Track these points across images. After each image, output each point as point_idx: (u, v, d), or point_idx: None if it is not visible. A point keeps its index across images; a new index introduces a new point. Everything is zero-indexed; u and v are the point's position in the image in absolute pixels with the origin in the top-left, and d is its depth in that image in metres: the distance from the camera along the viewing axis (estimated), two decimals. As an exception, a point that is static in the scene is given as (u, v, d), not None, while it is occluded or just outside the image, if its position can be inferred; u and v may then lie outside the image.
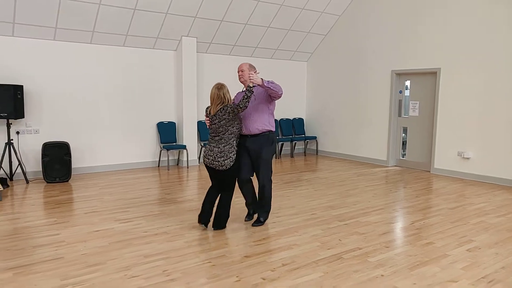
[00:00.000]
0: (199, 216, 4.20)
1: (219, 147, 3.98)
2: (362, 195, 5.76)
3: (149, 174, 7.16)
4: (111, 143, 7.39)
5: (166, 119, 8.01)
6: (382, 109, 8.33)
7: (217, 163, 3.96)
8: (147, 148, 7.83)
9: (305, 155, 9.75)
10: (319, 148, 9.87)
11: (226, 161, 3.96)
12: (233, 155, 4.00)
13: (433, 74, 7.42)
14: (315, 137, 9.83)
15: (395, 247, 3.78)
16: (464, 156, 6.95)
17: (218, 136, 4.00)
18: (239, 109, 3.97)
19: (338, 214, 4.82)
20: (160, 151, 7.93)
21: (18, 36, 6.37)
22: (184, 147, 7.84)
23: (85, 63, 7.02)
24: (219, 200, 4.17)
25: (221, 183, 4.14)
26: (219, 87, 4.08)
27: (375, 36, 8.33)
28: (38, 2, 5.99)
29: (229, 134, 4.00)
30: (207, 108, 4.16)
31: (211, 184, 4.24)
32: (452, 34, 7.05)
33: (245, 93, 3.96)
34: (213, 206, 4.18)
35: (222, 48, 8.43)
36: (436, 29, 7.28)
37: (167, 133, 7.90)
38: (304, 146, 10.12)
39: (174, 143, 7.99)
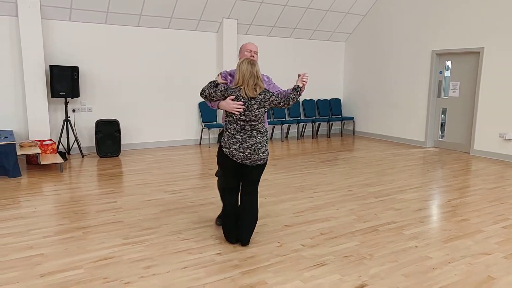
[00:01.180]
0: (228, 233, 3.35)
1: (256, 137, 3.21)
2: (399, 174, 5.87)
3: (192, 151, 7.56)
4: (156, 122, 7.83)
5: (207, 99, 8.34)
6: (421, 89, 8.26)
7: (256, 156, 3.18)
8: (189, 126, 8.22)
9: (341, 136, 9.85)
10: (356, 129, 9.93)
11: (265, 153, 3.25)
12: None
13: (476, 54, 7.28)
14: (352, 118, 9.89)
15: (429, 222, 3.93)
16: (506, 138, 6.85)
17: (252, 126, 3.21)
18: (284, 105, 3.32)
19: (375, 191, 4.99)
20: (202, 129, 8.31)
21: (75, 21, 6.82)
22: (222, 126, 8.15)
23: (133, 45, 7.42)
24: (248, 207, 3.32)
25: (251, 184, 3.32)
26: (253, 63, 3.25)
27: (416, 15, 8.20)
28: (91, -13, 6.40)
29: (261, 122, 3.27)
30: (228, 88, 3.23)
31: (229, 190, 3.34)
32: (497, 12, 6.87)
33: (295, 92, 3.34)
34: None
35: (262, 29, 8.60)
36: (480, 7, 7.10)
37: (208, 113, 8.24)
38: (341, 127, 10.20)
39: (215, 122, 8.33)
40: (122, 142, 7.32)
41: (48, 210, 4.15)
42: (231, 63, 8.19)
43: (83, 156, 6.89)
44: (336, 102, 10.13)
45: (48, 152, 6.25)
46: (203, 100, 8.22)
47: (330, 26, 9.29)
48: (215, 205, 4.37)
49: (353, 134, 9.97)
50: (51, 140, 6.40)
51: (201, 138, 8.34)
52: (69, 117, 6.87)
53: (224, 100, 3.21)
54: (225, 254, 3.14)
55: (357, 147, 8.25)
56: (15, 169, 5.39)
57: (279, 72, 9.19)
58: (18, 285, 2.64)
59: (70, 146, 6.96)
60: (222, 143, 3.27)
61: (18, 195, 4.66)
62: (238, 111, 3.15)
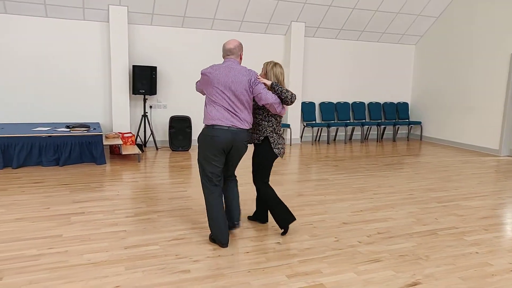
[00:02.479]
0: (288, 221, 3.52)
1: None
2: (466, 181, 5.71)
3: (256, 149, 7.89)
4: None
5: (273, 99, 8.63)
6: (496, 94, 7.86)
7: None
8: (255, 125, 8.57)
9: (408, 140, 9.64)
10: (423, 134, 9.66)
11: None
12: None
13: (561, 58, 6.79)
14: (419, 122, 9.63)
15: (495, 230, 3.85)
16: None
17: None
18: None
19: (437, 196, 4.93)
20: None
21: (155, 25, 7.47)
22: (288, 126, 8.41)
23: (206, 47, 7.92)
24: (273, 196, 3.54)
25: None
26: (281, 66, 3.50)
27: (492, 16, 7.82)
28: (171, -6, 6.97)
29: None
30: (284, 88, 3.32)
31: (267, 181, 3.59)
32: None
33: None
34: None
35: (329, 32, 8.71)
36: None
37: (309, 113, 8.51)
38: (407, 131, 9.98)
39: (314, 121, 8.58)
40: (193, 137, 7.85)
41: (128, 194, 4.68)
42: (298, 65, 8.41)
43: (157, 148, 7.52)
44: (403, 106, 9.92)
45: (128, 143, 6.92)
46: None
47: (400, 29, 9.14)
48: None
49: (420, 139, 9.70)
50: (130, 133, 7.08)
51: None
52: (147, 112, 7.53)
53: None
54: (284, 244, 3.38)
55: (423, 152, 8.06)
56: (102, 157, 6.07)
57: (345, 75, 9.25)
58: (108, 253, 3.09)
59: (147, 139, 7.62)
60: (272, 140, 3.42)
61: (104, 180, 5.28)
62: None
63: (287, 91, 3.29)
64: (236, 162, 3.44)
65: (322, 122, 9.07)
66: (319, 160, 7.04)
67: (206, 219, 3.91)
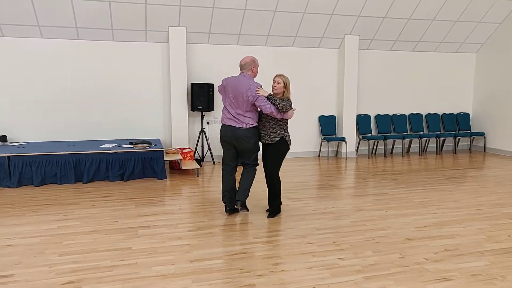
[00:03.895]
0: (277, 206, 4.51)
1: None
2: (540, 196, 5.32)
3: (311, 163, 7.86)
4: (278, 134, 8.34)
5: (327, 112, 8.60)
6: None
7: None
8: (309, 139, 8.56)
9: (470, 152, 9.16)
10: (487, 145, 9.13)
11: None
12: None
13: None
14: (483, 133, 9.12)
15: None
16: None
17: None
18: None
19: (509, 212, 4.63)
20: (321, 142, 8.57)
21: (212, 44, 7.76)
22: (343, 139, 8.32)
23: (261, 63, 8.05)
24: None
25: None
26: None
27: None
28: (227, 15, 7.21)
29: None
30: (288, 102, 4.16)
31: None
32: None
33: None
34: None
35: (384, 43, 8.57)
36: None
37: (328, 126, 8.48)
38: (469, 143, 9.49)
39: (334, 135, 8.52)
40: (247, 152, 7.98)
41: (190, 208, 4.84)
42: (352, 78, 8.33)
43: (214, 163, 7.72)
44: (464, 117, 9.46)
45: (187, 159, 7.18)
46: (322, 113, 8.49)
47: (458, 37, 8.79)
48: (335, 214, 4.57)
49: (484, 151, 9.17)
50: (189, 148, 7.34)
51: (320, 150, 8.60)
52: (204, 128, 7.79)
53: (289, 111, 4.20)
54: (347, 260, 3.33)
55: (488, 164, 7.61)
56: (163, 172, 6.34)
57: (401, 86, 9.03)
58: (174, 266, 3.22)
59: (204, 154, 7.86)
60: (287, 138, 4.29)
61: (165, 194, 5.51)
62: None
63: (279, 102, 4.09)
64: (245, 153, 4.31)
65: (379, 134, 8.87)
66: (376, 173, 6.87)
67: (268, 233, 3.96)
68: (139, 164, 6.31)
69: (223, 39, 7.71)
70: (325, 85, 8.52)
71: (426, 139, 9.30)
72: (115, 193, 5.52)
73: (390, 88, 8.96)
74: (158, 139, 7.51)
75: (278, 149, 4.28)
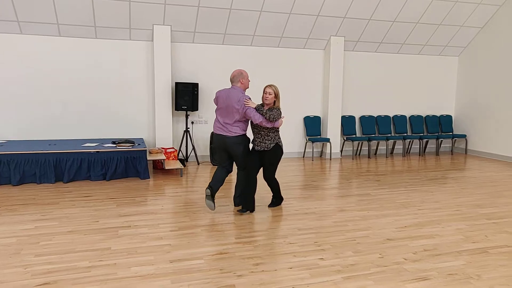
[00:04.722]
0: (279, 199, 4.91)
1: None
2: (518, 197, 5.42)
3: (296, 163, 7.88)
4: (263, 134, 8.34)
5: (312, 113, 8.64)
6: (550, 106, 7.46)
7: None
8: (294, 139, 8.58)
9: (452, 154, 9.30)
10: (469, 147, 9.29)
11: None
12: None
13: None
14: (464, 135, 9.27)
15: (552, 250, 3.63)
16: None
17: None
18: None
19: (487, 212, 4.71)
20: (306, 143, 8.60)
21: (197, 43, 7.72)
22: (327, 140, 8.36)
23: (246, 63, 8.07)
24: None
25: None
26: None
27: (545, 25, 7.47)
28: (213, 14, 7.18)
29: None
30: (277, 111, 4.40)
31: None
32: None
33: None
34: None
35: (369, 45, 8.64)
36: None
37: (313, 127, 8.52)
38: (451, 144, 9.64)
39: (319, 136, 8.56)
40: (232, 152, 7.96)
41: (172, 208, 4.80)
42: (337, 79, 8.38)
43: (198, 163, 7.68)
44: (447, 119, 9.60)
45: (171, 158, 7.12)
46: (307, 114, 8.52)
47: (442, 40, 8.93)
48: (317, 214, 4.59)
49: (465, 153, 9.33)
50: (173, 148, 7.28)
51: (304, 151, 8.63)
52: (189, 128, 7.74)
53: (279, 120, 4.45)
54: (327, 260, 3.34)
55: (469, 166, 7.74)
56: (146, 172, 6.28)
57: (386, 88, 9.12)
58: (154, 267, 3.19)
59: (188, 154, 7.81)
60: (280, 144, 4.57)
61: (148, 194, 5.45)
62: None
63: (266, 112, 4.32)
64: (236, 157, 4.54)
65: (363, 136, 8.94)
66: (360, 174, 6.93)
67: (249, 233, 3.95)
68: (121, 164, 6.24)
69: (209, 38, 7.67)
70: (310, 86, 8.55)
71: (410, 141, 9.41)
72: (96, 193, 5.44)
73: (375, 89, 9.04)
74: (142, 138, 7.44)
75: (276, 156, 4.56)
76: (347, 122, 8.78)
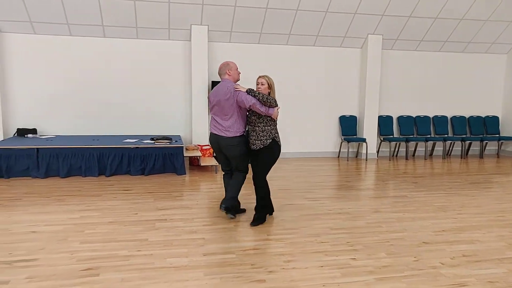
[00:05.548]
0: (263, 215, 4.22)
1: None
2: None
3: (330, 163, 7.82)
4: (298, 133, 8.34)
5: (348, 113, 8.53)
6: None
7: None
8: (329, 139, 8.51)
9: (497, 157, 8.88)
10: (516, 151, 8.84)
11: None
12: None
13: None
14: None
15: None
16: None
17: None
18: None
19: (533, 219, 4.49)
20: (341, 142, 8.51)
21: (234, 42, 7.82)
22: (364, 140, 8.23)
23: (281, 62, 8.09)
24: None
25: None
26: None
27: None
28: (249, 13, 7.25)
29: None
30: (271, 96, 4.04)
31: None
32: None
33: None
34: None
35: (408, 44, 8.42)
36: None
37: (348, 126, 8.41)
38: (497, 147, 9.21)
39: (354, 136, 8.44)
40: (267, 150, 8.00)
41: (206, 204, 4.91)
42: (374, 78, 8.23)
43: (233, 161, 7.78)
44: (493, 120, 9.18)
45: (206, 155, 7.26)
46: (343, 114, 8.43)
47: (488, 37, 8.54)
48: (350, 214, 4.54)
49: (512, 156, 8.89)
50: (208, 145, 7.42)
51: (339, 151, 8.54)
52: (224, 126, 7.85)
53: (273, 107, 4.05)
54: (360, 260, 3.31)
55: (516, 170, 7.37)
56: (182, 168, 6.44)
57: (426, 87, 8.86)
58: (188, 259, 3.28)
59: (223, 152, 7.92)
60: (277, 139, 4.10)
61: (184, 189, 5.60)
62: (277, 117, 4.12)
63: (259, 93, 3.96)
64: (232, 159, 4.18)
65: (400, 136, 8.72)
66: (397, 176, 6.77)
67: (281, 231, 3.98)
68: (159, 160, 6.44)
69: (245, 37, 7.75)
70: (346, 85, 8.44)
71: (451, 142, 9.09)
72: (135, 187, 5.66)
73: (414, 89, 8.79)
74: (179, 135, 7.63)
75: (272, 153, 4.10)
76: (384, 122, 8.60)
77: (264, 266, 3.18)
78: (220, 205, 4.21)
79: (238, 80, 4.23)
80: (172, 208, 4.69)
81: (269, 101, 3.96)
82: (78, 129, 7.50)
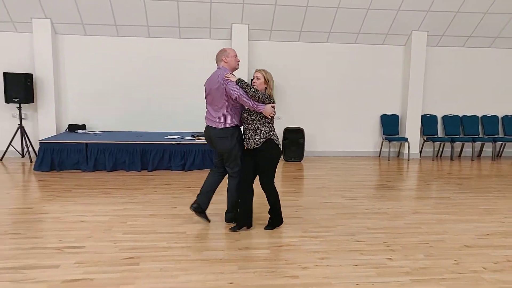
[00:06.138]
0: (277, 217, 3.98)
1: None
2: None
3: (370, 163, 7.67)
4: (337, 132, 8.24)
5: (389, 111, 8.32)
6: None
7: None
8: (369, 138, 8.35)
9: (552, 160, 8.34)
10: None
11: None
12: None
13: None
14: None
15: None
16: None
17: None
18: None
19: None
20: (382, 142, 8.32)
21: (273, 40, 7.86)
22: (406, 139, 8.01)
23: (321, 60, 8.03)
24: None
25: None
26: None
27: None
28: (289, 12, 7.26)
29: None
30: (262, 93, 3.69)
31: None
32: None
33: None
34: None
35: (456, 40, 8.08)
36: None
37: (390, 125, 8.21)
38: (552, 149, 8.64)
39: (396, 135, 8.23)
40: (305, 148, 7.98)
41: (244, 200, 4.98)
42: (418, 76, 7.98)
43: (271, 158, 7.83)
44: (546, 120, 8.62)
45: (245, 153, 7.35)
46: (385, 112, 8.24)
47: (544, 32, 8.03)
48: (389, 214, 4.46)
49: None
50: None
51: (380, 150, 8.36)
52: (263, 124, 7.91)
53: (265, 104, 3.70)
54: (396, 261, 3.26)
55: None
56: (221, 164, 6.57)
57: (474, 85, 8.48)
58: (223, 253, 3.37)
59: (262, 149, 7.99)
60: (274, 138, 3.78)
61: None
62: (272, 115, 3.75)
63: (247, 85, 3.66)
64: (223, 155, 3.88)
65: (445, 136, 8.40)
66: (440, 177, 6.54)
67: (316, 229, 3.98)
68: (199, 156, 6.61)
69: (285, 36, 7.77)
70: (388, 84, 8.24)
71: (501, 143, 8.63)
72: (175, 182, 5.84)
73: (461, 87, 8.43)
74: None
75: (269, 155, 3.78)
76: (428, 122, 8.31)
77: (297, 262, 3.21)
78: (226, 219, 4.07)
79: (236, 68, 3.90)
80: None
81: (257, 95, 3.61)
82: (124, 126, 7.83)
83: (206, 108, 3.90)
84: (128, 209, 4.50)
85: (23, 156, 7.41)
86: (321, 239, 3.71)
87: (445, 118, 8.41)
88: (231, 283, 2.85)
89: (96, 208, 4.53)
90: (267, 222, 4.04)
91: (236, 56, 3.91)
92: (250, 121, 3.76)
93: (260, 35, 7.74)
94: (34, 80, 7.34)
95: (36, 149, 7.34)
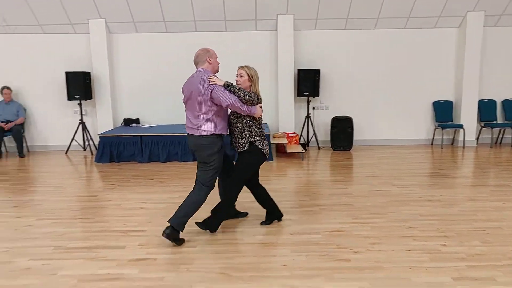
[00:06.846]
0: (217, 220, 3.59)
1: None
2: None
3: (422, 151, 7.46)
4: (387, 120, 8.07)
5: (442, 97, 8.02)
6: None
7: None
8: (421, 126, 8.10)
9: None
10: None
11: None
12: None
13: None
14: None
15: None
16: None
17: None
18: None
19: None
20: (435, 129, 8.04)
21: (319, 29, 7.81)
22: (461, 126, 7.69)
23: (369, 47, 7.87)
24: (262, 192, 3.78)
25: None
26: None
27: None
28: (337, 0, 7.20)
29: None
30: (253, 93, 3.40)
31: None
32: None
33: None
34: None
35: (515, 19, 7.61)
36: None
37: (443, 112, 7.91)
38: None
39: (450, 122, 7.92)
40: (354, 137, 7.89)
41: (293, 188, 5.07)
42: (474, 59, 7.62)
43: (319, 148, 7.84)
44: None
45: (292, 143, 7.42)
46: (437, 99, 7.95)
47: None
48: (442, 202, 4.35)
49: None
50: (295, 133, 7.57)
51: (433, 138, 8.09)
52: (310, 114, 7.93)
53: (253, 106, 3.41)
54: (450, 247, 3.21)
55: None
56: (269, 154, 6.68)
57: (535, 66, 7.95)
58: (276, 237, 3.48)
59: (309, 139, 8.02)
60: (258, 144, 3.51)
61: (271, 174, 5.83)
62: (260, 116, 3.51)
63: (239, 89, 3.33)
64: (198, 164, 3.48)
65: (505, 122, 7.96)
66: (498, 164, 6.24)
67: (368, 215, 3.99)
68: (248, 146, 6.75)
69: (330, 24, 7.69)
70: (440, 68, 7.92)
71: None
72: (226, 171, 6.03)
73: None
74: (266, 123, 7.88)
75: (247, 161, 3.53)
76: (485, 107, 7.91)
77: (349, 246, 3.25)
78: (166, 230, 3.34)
79: (217, 71, 3.56)
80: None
81: (251, 99, 3.33)
82: (175, 119, 8.15)
83: (186, 114, 3.51)
84: (182, 197, 4.73)
85: (84, 149, 7.96)
86: (372, 225, 3.72)
87: (506, 102, 7.97)
88: (284, 265, 2.95)
89: (153, 196, 4.80)
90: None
91: (217, 58, 3.57)
92: (237, 123, 3.50)
93: (306, 24, 7.72)
94: (92, 78, 7.82)
95: (96, 143, 7.85)
